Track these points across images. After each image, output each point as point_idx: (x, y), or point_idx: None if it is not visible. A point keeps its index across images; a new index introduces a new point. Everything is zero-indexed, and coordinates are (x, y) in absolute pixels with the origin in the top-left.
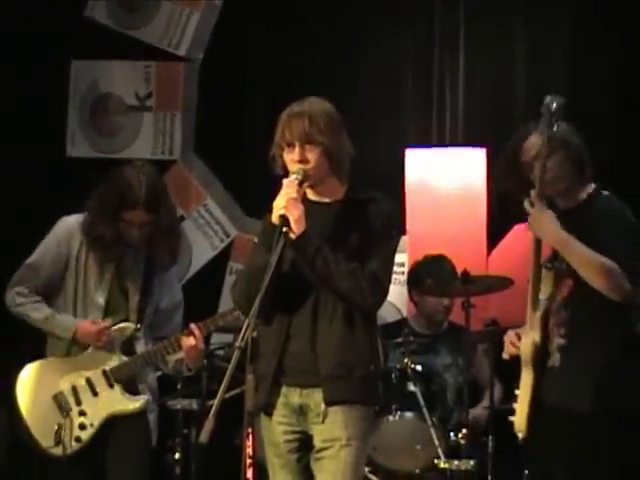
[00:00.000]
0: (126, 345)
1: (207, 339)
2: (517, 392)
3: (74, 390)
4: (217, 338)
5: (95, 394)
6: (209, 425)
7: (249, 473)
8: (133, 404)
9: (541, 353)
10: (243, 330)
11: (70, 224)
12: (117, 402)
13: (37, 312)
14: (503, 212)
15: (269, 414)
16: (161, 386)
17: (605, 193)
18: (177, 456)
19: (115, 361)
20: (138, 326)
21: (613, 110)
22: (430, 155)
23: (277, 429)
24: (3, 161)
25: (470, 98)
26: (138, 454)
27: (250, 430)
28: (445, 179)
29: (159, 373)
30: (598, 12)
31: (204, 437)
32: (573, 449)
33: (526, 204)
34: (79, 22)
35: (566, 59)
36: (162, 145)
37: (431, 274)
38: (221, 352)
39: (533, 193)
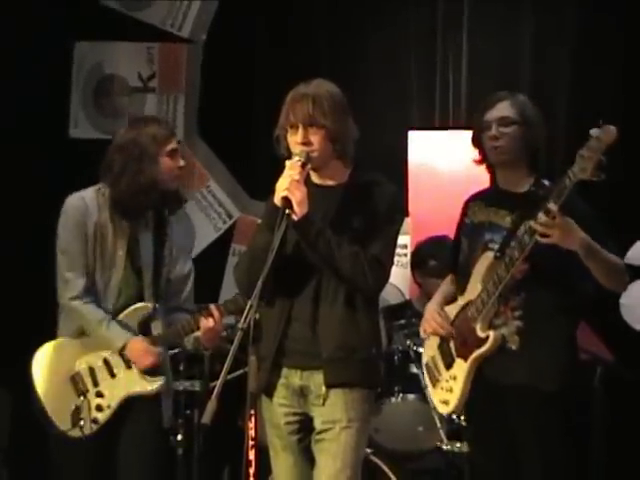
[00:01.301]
0: (143, 325)
1: None
2: (451, 374)
3: (91, 371)
4: None
5: (113, 375)
6: (211, 406)
7: (251, 454)
8: (151, 385)
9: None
10: (245, 312)
11: (83, 200)
12: (135, 383)
13: (92, 314)
14: None
15: (270, 396)
16: None
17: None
18: (179, 437)
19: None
20: (155, 305)
21: (619, 92)
22: (433, 137)
23: (278, 411)
24: (4, 144)
25: (473, 80)
26: (149, 436)
27: (252, 412)
28: (448, 161)
29: (176, 350)
30: (601, 6)
31: (207, 418)
32: (538, 427)
33: (542, 216)
34: (82, 4)
35: (571, 41)
36: None
37: (434, 255)
38: (224, 334)
39: (551, 204)
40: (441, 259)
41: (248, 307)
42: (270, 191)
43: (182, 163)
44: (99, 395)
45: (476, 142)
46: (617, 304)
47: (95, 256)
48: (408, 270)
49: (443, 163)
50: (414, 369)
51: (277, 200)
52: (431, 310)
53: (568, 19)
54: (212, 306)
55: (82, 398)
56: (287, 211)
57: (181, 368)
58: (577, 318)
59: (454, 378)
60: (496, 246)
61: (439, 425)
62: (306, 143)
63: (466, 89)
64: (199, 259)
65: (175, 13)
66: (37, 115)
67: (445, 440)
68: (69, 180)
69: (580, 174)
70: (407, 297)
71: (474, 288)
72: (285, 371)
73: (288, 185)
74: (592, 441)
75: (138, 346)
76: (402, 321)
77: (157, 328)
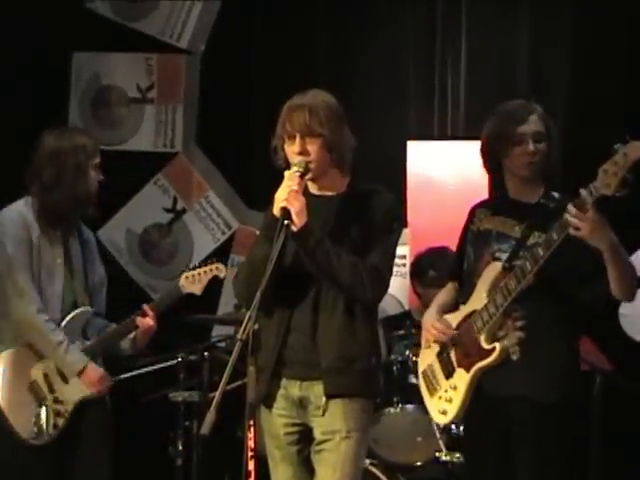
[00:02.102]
0: (84, 330)
1: (208, 331)
2: (451, 383)
3: (46, 377)
4: (218, 330)
5: (65, 380)
6: (210, 417)
7: (250, 465)
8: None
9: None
10: (244, 322)
11: (20, 212)
12: (85, 387)
13: (53, 334)
14: None
15: (269, 406)
16: (162, 378)
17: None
18: (179, 448)
19: (79, 346)
20: (91, 309)
21: (619, 95)
22: (432, 148)
23: (277, 421)
24: (3, 154)
25: (472, 90)
26: (103, 439)
27: (252, 422)
28: (447, 172)
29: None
30: (598, 13)
31: (206, 429)
32: (536, 438)
33: (572, 208)
34: (80, 14)
35: (569, 50)
36: (164, 137)
37: (434, 266)
38: (222, 344)
39: (585, 197)
40: (441, 270)
41: (247, 318)
42: (269, 201)
43: (101, 177)
44: (56, 401)
45: (500, 151)
46: (616, 314)
47: (40, 266)
48: (407, 280)
49: (442, 173)
50: (413, 379)
51: (276, 210)
52: (430, 319)
53: (565, 22)
54: (145, 305)
55: (41, 405)
56: (286, 221)
57: (180, 379)
58: (578, 328)
59: (454, 388)
60: (504, 256)
61: (438, 435)
62: (303, 153)
63: (465, 99)
64: None
65: (174, 24)
66: (36, 126)
67: (444, 450)
68: None
69: (603, 189)
70: (406, 307)
71: (479, 298)
72: (284, 382)
73: (287, 195)
74: (590, 451)
75: (94, 374)
76: (401, 331)
77: (92, 329)
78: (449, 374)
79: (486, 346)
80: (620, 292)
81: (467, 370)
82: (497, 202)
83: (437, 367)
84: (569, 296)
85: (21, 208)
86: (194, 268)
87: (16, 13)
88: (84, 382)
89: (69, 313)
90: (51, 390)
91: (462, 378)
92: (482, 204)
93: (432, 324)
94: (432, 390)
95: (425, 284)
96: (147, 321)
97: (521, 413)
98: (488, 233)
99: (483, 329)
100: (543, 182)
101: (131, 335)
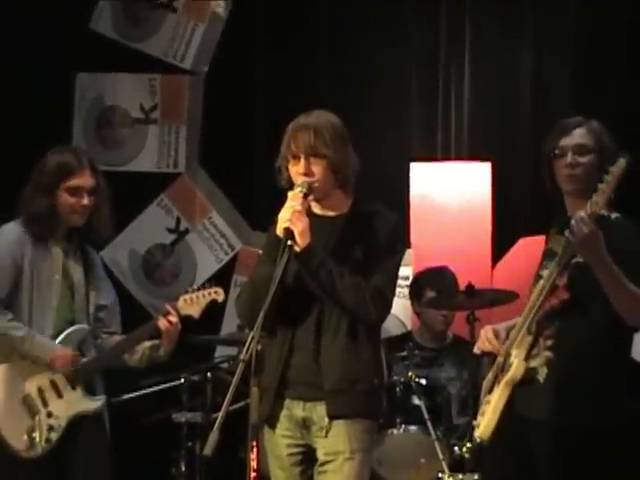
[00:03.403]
0: (80, 346)
1: (211, 352)
2: (488, 398)
3: (40, 392)
4: (221, 351)
5: (60, 395)
6: (213, 438)
7: None
8: (94, 404)
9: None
10: (247, 343)
11: (14, 230)
12: (80, 402)
13: (16, 330)
14: (508, 225)
15: (272, 427)
16: (165, 399)
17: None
18: (182, 469)
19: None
20: (89, 327)
21: (620, 108)
22: (435, 169)
23: (281, 442)
24: (7, 173)
25: (475, 112)
26: (99, 456)
27: (254, 443)
28: (450, 193)
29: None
30: (600, 26)
31: (208, 450)
32: (561, 464)
33: (576, 221)
34: (84, 35)
35: (572, 75)
36: (167, 158)
37: (431, 285)
38: (225, 365)
39: (588, 210)
40: (439, 289)
41: (250, 338)
42: (272, 222)
43: (85, 202)
44: (50, 415)
45: (546, 167)
46: None
47: (34, 280)
48: (409, 301)
49: (445, 194)
50: (416, 400)
51: (279, 231)
52: (486, 328)
53: (569, 52)
54: (167, 304)
55: (35, 419)
56: (289, 242)
57: (183, 399)
58: (615, 351)
59: (488, 402)
60: (546, 272)
61: (441, 456)
62: (308, 174)
63: (468, 121)
64: None
65: (177, 45)
66: (40, 146)
67: (447, 472)
68: None
69: (593, 207)
70: (409, 328)
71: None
72: (288, 402)
73: (290, 216)
74: None
75: (63, 355)
76: (403, 352)
77: (90, 351)
78: (491, 389)
79: (510, 361)
80: (622, 315)
81: (499, 386)
82: (560, 220)
83: (489, 378)
84: (600, 315)
85: (15, 226)
86: (193, 291)
87: (21, 34)
88: (56, 367)
89: (64, 330)
90: (45, 404)
91: (496, 393)
92: (555, 223)
93: (485, 332)
94: (481, 403)
95: (423, 304)
96: (170, 318)
97: (540, 437)
98: (546, 252)
99: (514, 343)
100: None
101: (147, 343)
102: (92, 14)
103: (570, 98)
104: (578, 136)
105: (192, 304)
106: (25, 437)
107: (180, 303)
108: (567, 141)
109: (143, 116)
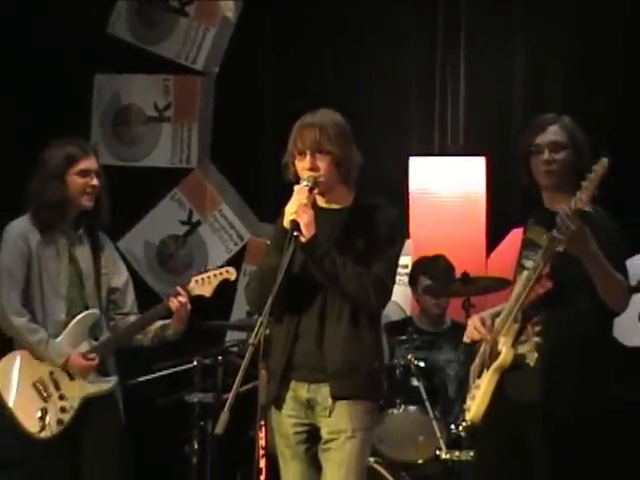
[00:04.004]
0: (91, 331)
1: (222, 337)
2: (477, 383)
3: (51, 375)
4: (232, 336)
5: (71, 378)
6: (224, 417)
7: (262, 463)
8: (106, 385)
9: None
10: (256, 328)
11: (20, 225)
12: (91, 384)
13: (32, 334)
14: (501, 217)
15: (279, 408)
16: (179, 381)
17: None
18: (194, 447)
19: (86, 346)
20: (100, 312)
21: (612, 117)
22: (433, 163)
23: (286, 422)
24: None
25: (470, 111)
26: (112, 434)
27: (263, 422)
28: (447, 186)
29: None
30: (593, 27)
31: (219, 429)
32: (549, 445)
33: (562, 218)
34: (102, 38)
35: (563, 74)
36: (180, 154)
37: (425, 272)
38: (235, 349)
39: (573, 206)
40: (433, 277)
41: (258, 324)
42: (279, 214)
43: (95, 182)
44: (61, 398)
45: (522, 163)
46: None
47: (42, 272)
48: (409, 288)
49: (442, 188)
50: (415, 382)
51: (286, 223)
52: (473, 318)
53: (561, 54)
54: (178, 287)
55: (47, 401)
56: (295, 233)
57: (196, 381)
58: (599, 336)
59: (478, 387)
60: (528, 264)
61: (439, 435)
62: (313, 169)
63: (464, 119)
64: None
65: (189, 47)
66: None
67: (444, 449)
68: None
69: (577, 204)
70: (408, 314)
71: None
72: (293, 384)
73: (296, 209)
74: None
75: (79, 360)
76: (403, 336)
77: (103, 333)
78: (480, 373)
79: (498, 348)
80: (608, 302)
81: (488, 370)
82: (537, 211)
83: (477, 366)
84: (590, 304)
85: (22, 221)
86: (205, 272)
87: (44, 38)
88: (73, 371)
89: (76, 315)
90: (57, 387)
91: (485, 378)
92: (533, 214)
93: (472, 320)
94: (469, 387)
95: (419, 290)
96: (180, 299)
97: (533, 420)
98: (525, 242)
99: (501, 331)
100: (575, 190)
101: (159, 323)
102: (109, 19)
103: (562, 97)
104: (552, 133)
105: (204, 284)
106: (38, 419)
107: (192, 284)
108: (542, 138)
109: (157, 114)
